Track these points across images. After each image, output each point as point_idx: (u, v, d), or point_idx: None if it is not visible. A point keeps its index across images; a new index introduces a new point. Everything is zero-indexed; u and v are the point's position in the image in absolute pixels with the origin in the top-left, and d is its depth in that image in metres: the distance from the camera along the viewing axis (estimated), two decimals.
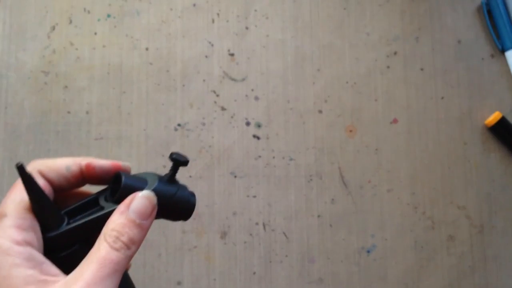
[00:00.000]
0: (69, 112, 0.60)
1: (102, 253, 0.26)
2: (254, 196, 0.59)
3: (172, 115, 0.60)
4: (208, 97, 0.60)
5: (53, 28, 0.61)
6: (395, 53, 0.62)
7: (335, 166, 0.60)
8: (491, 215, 0.59)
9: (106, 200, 0.30)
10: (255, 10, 0.62)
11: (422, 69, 0.61)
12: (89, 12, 0.62)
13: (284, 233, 0.59)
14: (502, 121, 0.59)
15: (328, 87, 0.61)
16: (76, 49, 0.61)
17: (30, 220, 0.26)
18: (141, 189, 0.29)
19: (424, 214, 0.59)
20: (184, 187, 0.32)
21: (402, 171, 0.60)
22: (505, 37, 0.61)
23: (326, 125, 0.60)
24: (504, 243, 0.59)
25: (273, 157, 0.60)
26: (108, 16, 0.62)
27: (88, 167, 0.30)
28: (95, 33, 0.61)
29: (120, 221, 0.27)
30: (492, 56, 0.62)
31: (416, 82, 0.61)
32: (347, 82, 0.61)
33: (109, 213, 0.28)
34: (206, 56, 0.61)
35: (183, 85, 0.60)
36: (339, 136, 0.60)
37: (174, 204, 0.31)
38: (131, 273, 0.31)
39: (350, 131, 0.60)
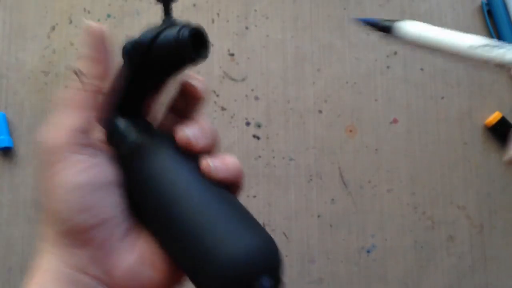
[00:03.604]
0: None
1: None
2: (254, 196, 0.59)
3: None
4: (208, 97, 0.60)
5: (53, 28, 0.61)
6: (395, 53, 0.62)
7: (335, 166, 0.60)
8: (491, 215, 0.59)
9: None
10: (255, 10, 0.62)
11: (422, 69, 0.61)
12: (89, 12, 0.62)
13: (284, 233, 0.59)
14: (502, 121, 0.59)
15: (328, 87, 0.61)
16: (76, 49, 0.61)
17: None
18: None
19: (424, 214, 0.59)
20: (179, 25, 0.26)
21: (402, 171, 0.60)
22: (505, 37, 0.61)
23: (326, 125, 0.60)
24: (504, 243, 0.59)
25: (273, 157, 0.60)
26: (108, 16, 0.62)
27: None
28: None
29: None
30: None
31: (416, 82, 0.61)
32: (347, 82, 0.61)
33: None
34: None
35: None
36: (339, 136, 0.60)
37: (160, 47, 0.26)
38: None
39: (350, 131, 0.60)
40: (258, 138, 0.60)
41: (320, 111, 0.61)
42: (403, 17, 0.62)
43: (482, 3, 0.62)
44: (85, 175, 0.25)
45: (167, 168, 0.26)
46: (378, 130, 0.60)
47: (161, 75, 0.28)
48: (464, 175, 0.60)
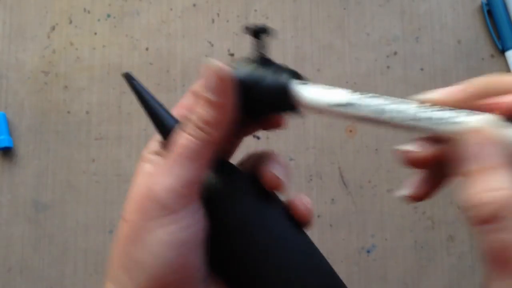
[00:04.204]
0: (69, 112, 0.60)
1: (175, 139, 0.24)
2: None
3: None
4: None
5: (53, 28, 0.61)
6: (395, 53, 0.62)
7: (335, 166, 0.60)
8: None
9: None
10: (255, 10, 0.62)
11: (422, 69, 0.61)
12: (89, 12, 0.62)
13: None
14: None
15: None
16: (76, 49, 0.61)
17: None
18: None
19: (424, 214, 0.59)
20: (282, 71, 0.24)
21: (402, 171, 0.60)
22: (505, 37, 0.61)
23: (326, 125, 0.60)
24: None
25: None
26: (108, 16, 0.62)
27: None
28: (95, 33, 0.61)
29: (190, 101, 0.24)
30: (492, 56, 0.62)
31: (416, 82, 0.61)
32: (347, 82, 0.61)
33: None
34: (206, 56, 0.61)
35: (183, 85, 0.61)
36: (339, 136, 0.60)
37: (260, 93, 0.24)
38: None
39: (350, 131, 0.60)
40: (258, 138, 0.60)
41: None
42: (402, 17, 0.62)
43: (482, 3, 0.62)
44: (183, 230, 0.23)
45: (254, 216, 0.24)
46: (378, 130, 0.60)
47: (251, 117, 0.26)
48: None
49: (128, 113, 0.59)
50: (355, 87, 0.61)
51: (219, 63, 0.23)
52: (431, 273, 0.58)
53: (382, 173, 0.60)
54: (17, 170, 0.59)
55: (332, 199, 0.59)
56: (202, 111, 0.23)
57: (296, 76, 0.24)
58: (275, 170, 0.25)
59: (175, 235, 0.23)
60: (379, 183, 0.59)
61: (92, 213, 0.58)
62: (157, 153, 0.25)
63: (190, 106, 0.25)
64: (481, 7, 0.62)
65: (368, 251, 0.58)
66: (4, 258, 0.57)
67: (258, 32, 0.24)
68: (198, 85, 0.24)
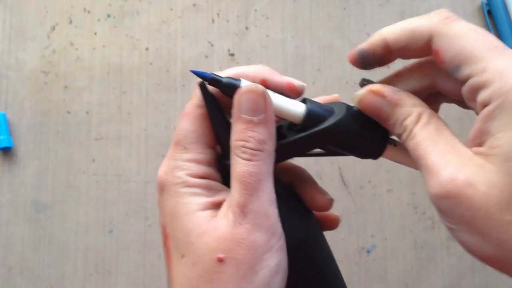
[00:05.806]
0: (69, 112, 0.60)
1: (238, 170, 0.24)
2: None
3: (172, 115, 0.60)
4: None
5: (53, 28, 0.61)
6: None
7: (335, 166, 0.60)
8: None
9: (289, 128, 0.27)
10: (255, 10, 0.62)
11: None
12: (89, 12, 0.62)
13: None
14: None
15: (328, 87, 0.61)
16: (76, 49, 0.61)
17: (209, 155, 0.27)
18: (325, 118, 0.26)
19: (424, 214, 0.59)
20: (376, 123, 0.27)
21: (402, 171, 0.60)
22: (505, 37, 0.61)
23: None
24: None
25: None
26: (108, 16, 0.62)
27: (263, 84, 0.28)
28: (95, 33, 0.61)
29: (239, 127, 0.25)
30: None
31: None
32: (347, 82, 0.61)
33: (290, 144, 0.26)
34: (206, 56, 0.61)
35: (183, 85, 0.61)
36: None
37: (363, 139, 0.27)
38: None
39: None
40: None
41: None
42: (403, 18, 0.62)
43: (482, 3, 0.62)
44: (284, 251, 0.25)
45: (313, 238, 0.28)
46: None
47: (347, 151, 0.28)
48: None
49: (128, 113, 0.59)
50: (355, 87, 0.61)
51: (249, 84, 0.25)
52: (431, 273, 0.58)
53: (382, 173, 0.60)
54: (17, 170, 0.59)
55: None
56: (253, 134, 0.24)
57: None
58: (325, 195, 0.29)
59: (283, 258, 0.25)
60: (379, 183, 0.59)
61: (92, 213, 0.58)
62: (201, 176, 0.26)
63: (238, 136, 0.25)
64: (481, 7, 0.62)
65: (368, 251, 0.58)
66: (4, 258, 0.57)
67: None
68: (235, 112, 0.25)
